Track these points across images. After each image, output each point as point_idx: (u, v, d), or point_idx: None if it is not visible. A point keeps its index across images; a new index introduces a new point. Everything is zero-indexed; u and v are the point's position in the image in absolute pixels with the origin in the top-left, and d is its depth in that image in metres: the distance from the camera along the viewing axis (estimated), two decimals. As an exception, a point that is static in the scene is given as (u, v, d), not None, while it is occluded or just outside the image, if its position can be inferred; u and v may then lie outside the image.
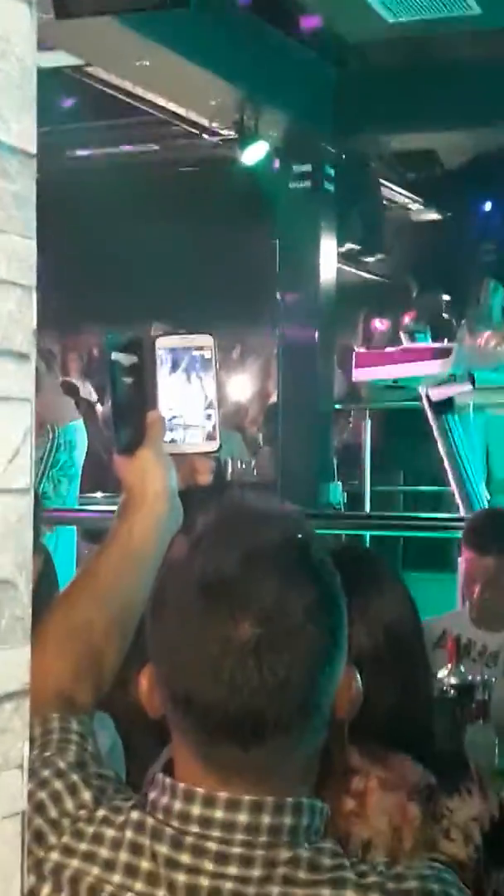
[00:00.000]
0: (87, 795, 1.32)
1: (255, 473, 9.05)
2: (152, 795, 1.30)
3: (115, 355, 1.56)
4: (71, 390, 6.89)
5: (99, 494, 7.24)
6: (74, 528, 5.65)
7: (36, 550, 1.88)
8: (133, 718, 1.39)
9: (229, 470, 8.65)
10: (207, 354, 1.55)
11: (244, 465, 8.95)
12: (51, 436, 5.50)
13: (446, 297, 9.74)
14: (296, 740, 1.27)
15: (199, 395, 1.55)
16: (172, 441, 1.55)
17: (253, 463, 9.31)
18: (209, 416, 1.56)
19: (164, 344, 1.55)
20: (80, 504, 6.54)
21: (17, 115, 1.04)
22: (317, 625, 1.27)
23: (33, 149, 1.07)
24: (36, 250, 1.05)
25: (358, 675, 1.37)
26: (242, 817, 1.25)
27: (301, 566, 1.29)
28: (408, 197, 10.38)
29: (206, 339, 1.56)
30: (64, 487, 5.55)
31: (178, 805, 1.27)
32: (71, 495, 5.66)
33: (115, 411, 1.57)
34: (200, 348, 1.55)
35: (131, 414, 1.55)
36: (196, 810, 1.26)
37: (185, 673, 1.27)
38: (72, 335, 11.34)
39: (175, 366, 1.54)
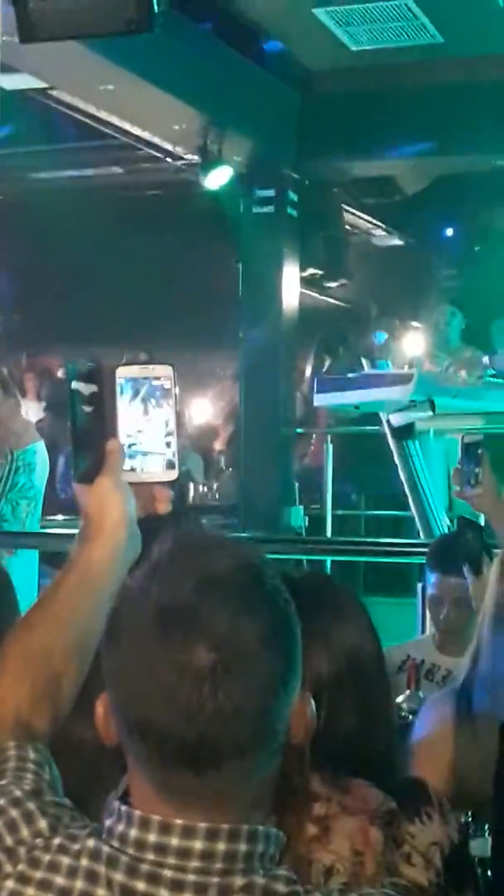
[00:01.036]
0: (42, 824, 1.31)
1: (216, 496, 9.05)
2: (108, 823, 1.30)
3: (74, 384, 1.57)
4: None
5: (60, 517, 7.21)
6: (36, 551, 5.61)
7: None
8: (96, 746, 1.38)
9: (190, 493, 8.66)
10: (167, 384, 1.57)
11: (204, 488, 8.95)
12: (9, 458, 5.47)
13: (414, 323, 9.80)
14: (251, 766, 1.27)
15: (159, 424, 1.57)
16: (132, 469, 1.57)
17: (215, 486, 9.31)
18: (168, 445, 1.57)
19: (124, 373, 1.56)
20: (43, 527, 6.51)
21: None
22: (272, 650, 1.27)
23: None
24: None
25: (312, 701, 1.38)
26: (198, 844, 1.25)
27: (255, 592, 1.30)
28: (370, 222, 10.45)
29: (165, 370, 1.57)
30: (23, 510, 5.51)
31: (133, 832, 1.27)
32: (32, 518, 5.61)
33: (75, 439, 1.58)
34: (159, 378, 1.57)
35: (90, 442, 1.56)
36: (152, 837, 1.26)
37: (140, 700, 1.26)
38: (31, 356, 11.31)
39: (135, 395, 1.56)
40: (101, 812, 1.33)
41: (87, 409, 1.56)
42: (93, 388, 1.56)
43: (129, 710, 1.28)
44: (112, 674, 1.31)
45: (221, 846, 1.25)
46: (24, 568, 5.39)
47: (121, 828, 1.28)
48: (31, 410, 9.51)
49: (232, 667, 1.24)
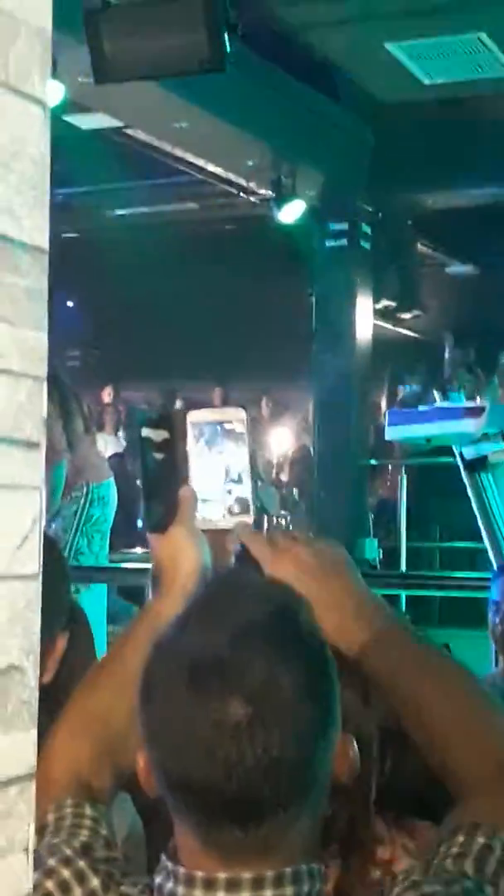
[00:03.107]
0: (95, 882, 1.32)
1: (290, 529, 9.04)
2: (158, 880, 1.30)
3: (145, 431, 1.53)
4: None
5: (139, 550, 7.27)
6: (105, 585, 5.68)
7: (63, 624, 1.84)
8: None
9: (265, 526, 8.68)
10: (239, 427, 1.51)
11: (280, 521, 8.95)
12: (84, 490, 5.55)
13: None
14: (295, 815, 1.27)
15: (235, 469, 1.52)
16: (204, 518, 1.52)
17: (289, 518, 9.31)
18: (242, 490, 1.52)
19: (196, 418, 1.52)
20: (120, 560, 6.58)
21: (30, 213, 1.08)
22: (309, 698, 1.26)
23: (45, 244, 1.10)
24: (47, 342, 1.09)
25: (354, 743, 1.36)
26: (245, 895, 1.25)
27: (289, 640, 1.28)
28: (444, 253, 10.44)
29: (237, 413, 1.53)
30: (97, 543, 5.60)
31: (181, 890, 1.27)
32: (103, 552, 5.70)
33: (146, 488, 1.55)
34: (231, 422, 1.52)
35: (163, 490, 1.52)
36: (198, 894, 1.26)
37: (178, 756, 1.25)
38: (108, 390, 11.44)
39: (209, 441, 1.51)
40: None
41: (159, 456, 1.52)
42: (164, 434, 1.52)
43: (167, 767, 1.27)
44: (148, 730, 1.29)
45: (269, 893, 1.25)
46: (94, 601, 5.45)
47: (169, 885, 1.28)
48: (110, 444, 9.62)
49: (269, 719, 1.22)
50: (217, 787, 1.23)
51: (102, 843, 1.37)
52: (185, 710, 1.24)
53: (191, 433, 1.52)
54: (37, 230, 1.07)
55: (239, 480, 1.53)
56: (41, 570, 1.03)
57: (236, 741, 1.22)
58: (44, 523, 1.05)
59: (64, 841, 1.35)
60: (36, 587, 1.02)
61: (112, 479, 5.72)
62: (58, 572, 1.79)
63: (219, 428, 1.52)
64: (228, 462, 1.52)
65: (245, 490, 1.52)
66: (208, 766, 1.23)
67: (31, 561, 1.02)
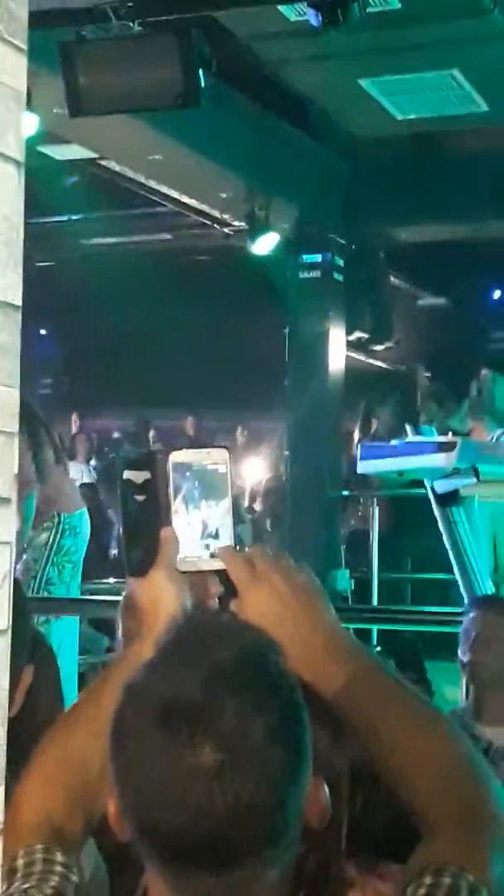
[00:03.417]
0: None
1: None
2: None
3: (126, 473, 1.51)
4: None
5: (111, 580, 7.24)
6: (77, 617, 5.65)
7: (27, 658, 1.87)
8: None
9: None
10: (222, 468, 1.50)
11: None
12: (56, 521, 5.53)
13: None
14: (267, 861, 1.26)
15: (213, 524, 1.49)
16: (186, 559, 1.50)
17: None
18: (217, 533, 1.50)
19: (177, 458, 1.50)
20: (93, 591, 6.54)
21: (3, 271, 1.09)
22: (280, 743, 1.24)
23: (18, 301, 1.12)
24: (18, 398, 1.10)
25: (325, 786, 1.35)
26: None
27: (261, 684, 1.27)
28: (416, 286, 10.51)
29: (220, 453, 1.51)
30: (68, 573, 5.56)
31: None
32: (74, 582, 5.67)
33: (127, 530, 1.53)
34: (215, 462, 1.50)
35: (144, 532, 1.49)
36: None
37: (148, 802, 1.24)
38: (81, 419, 11.43)
39: (186, 498, 1.49)
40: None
41: (140, 497, 1.50)
42: (145, 475, 1.50)
43: (137, 812, 1.26)
44: (118, 775, 1.28)
45: None
46: (66, 631, 5.43)
47: None
48: (83, 473, 9.60)
49: (240, 765, 1.21)
50: (188, 833, 1.22)
51: (73, 889, 1.35)
52: (156, 755, 1.23)
53: (178, 474, 1.49)
54: (10, 287, 1.08)
55: (216, 536, 1.50)
56: (10, 625, 1.03)
57: (207, 787, 1.21)
58: (12, 577, 1.05)
59: (34, 887, 1.33)
60: (5, 643, 1.02)
61: (84, 510, 5.70)
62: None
63: (198, 478, 1.49)
64: (206, 517, 1.50)
65: (227, 531, 1.50)
66: (179, 812, 1.21)
67: (1, 616, 1.03)
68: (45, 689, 2.39)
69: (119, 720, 1.28)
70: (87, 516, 5.72)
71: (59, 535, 5.53)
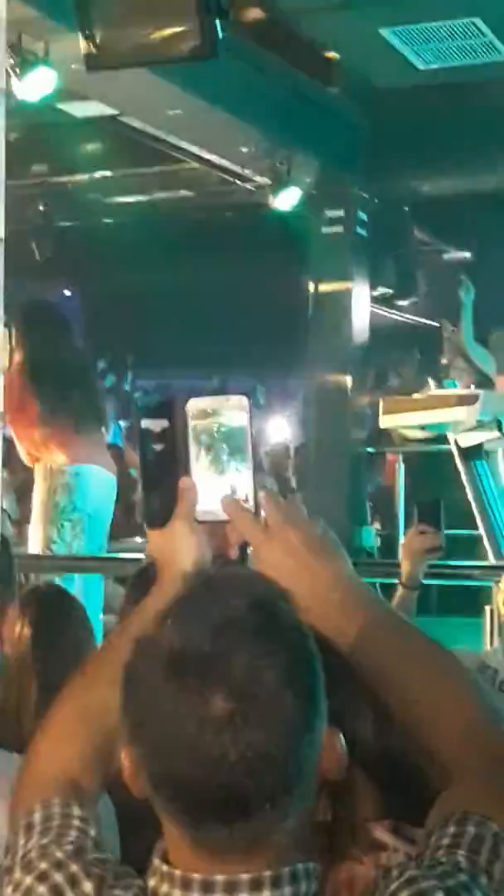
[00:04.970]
0: (87, 886, 1.29)
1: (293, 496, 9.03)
2: (151, 883, 1.28)
3: (144, 422, 1.48)
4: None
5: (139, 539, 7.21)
6: (100, 576, 5.54)
7: (10, 598, 2.10)
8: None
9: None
10: (242, 415, 1.46)
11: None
12: (46, 478, 5.36)
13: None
14: (282, 811, 1.25)
15: (235, 456, 1.46)
16: (204, 510, 1.47)
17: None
18: (246, 480, 1.46)
19: (196, 406, 1.47)
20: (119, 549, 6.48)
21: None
22: (293, 692, 1.24)
23: (1, 233, 1.09)
24: (2, 331, 1.08)
25: (341, 736, 1.35)
26: None
27: (271, 632, 1.26)
28: (441, 239, 10.40)
29: (240, 400, 1.47)
30: (68, 533, 5.44)
31: (177, 893, 1.25)
32: (89, 542, 5.48)
33: (145, 480, 1.50)
34: (233, 408, 1.46)
35: (162, 482, 1.47)
36: None
37: (162, 754, 1.24)
38: (101, 379, 11.42)
39: (206, 428, 1.46)
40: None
41: (158, 447, 1.47)
42: (163, 423, 1.47)
43: (151, 765, 1.26)
44: (131, 728, 1.28)
45: (266, 894, 1.23)
46: (89, 591, 5.34)
47: (164, 888, 1.26)
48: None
49: (251, 714, 1.21)
50: (201, 783, 1.22)
51: (92, 844, 1.35)
52: (167, 707, 1.23)
53: (191, 426, 1.46)
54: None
55: (235, 487, 1.46)
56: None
57: (219, 738, 1.21)
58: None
59: (54, 842, 1.33)
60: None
61: (81, 467, 5.45)
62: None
63: (217, 425, 1.45)
64: (225, 465, 1.46)
65: (250, 481, 1.46)
66: (191, 763, 1.21)
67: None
68: (76, 642, 2.47)
69: (130, 672, 1.28)
70: (98, 473, 5.51)
71: (51, 493, 5.36)
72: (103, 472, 5.54)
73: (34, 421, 5.36)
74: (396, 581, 6.58)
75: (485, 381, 7.54)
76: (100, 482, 5.49)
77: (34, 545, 5.45)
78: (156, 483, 1.49)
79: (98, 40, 5.73)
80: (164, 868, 1.27)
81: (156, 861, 1.29)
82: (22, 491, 7.19)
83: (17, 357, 5.30)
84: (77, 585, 5.08)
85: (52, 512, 5.35)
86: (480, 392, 5.60)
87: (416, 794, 1.57)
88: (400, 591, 3.52)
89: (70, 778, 1.42)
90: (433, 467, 7.94)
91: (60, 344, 5.59)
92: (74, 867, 1.30)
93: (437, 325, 9.94)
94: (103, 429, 5.78)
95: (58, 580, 4.73)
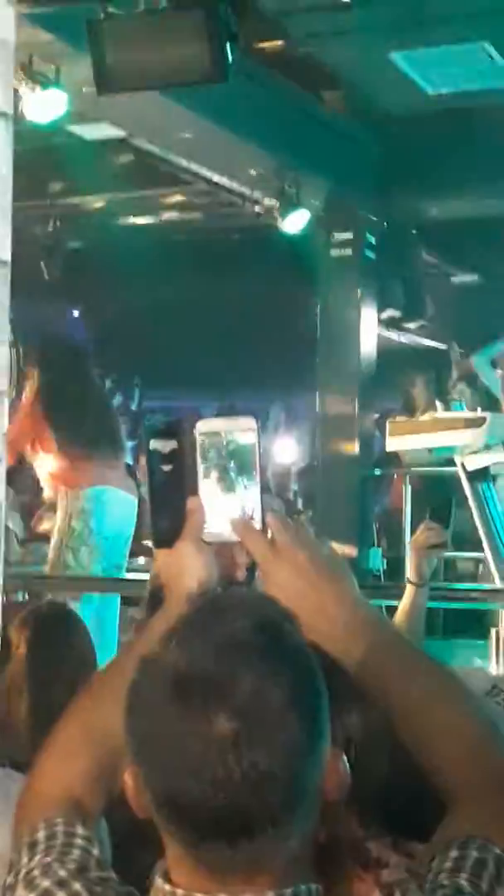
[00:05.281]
0: None
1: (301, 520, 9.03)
2: None
3: (153, 443, 1.49)
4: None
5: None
6: (116, 597, 5.51)
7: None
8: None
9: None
10: (250, 436, 1.46)
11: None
12: (63, 503, 5.40)
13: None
14: (285, 832, 1.25)
15: (244, 477, 1.46)
16: (212, 531, 1.47)
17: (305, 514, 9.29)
18: (253, 500, 1.46)
19: (205, 427, 1.47)
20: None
21: (-6, 225, 1.08)
22: (296, 712, 1.24)
23: (7, 256, 1.10)
24: (9, 355, 1.09)
25: (344, 757, 1.35)
26: None
27: (276, 654, 1.26)
28: (449, 263, 10.42)
29: (248, 422, 1.47)
30: (84, 557, 5.46)
31: None
32: (101, 565, 5.50)
33: (153, 501, 1.51)
34: (242, 430, 1.46)
35: (169, 503, 1.48)
36: None
37: (165, 774, 1.24)
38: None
39: (215, 450, 1.46)
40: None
41: (166, 467, 1.48)
42: (172, 444, 1.48)
43: (154, 784, 1.26)
44: (135, 747, 1.28)
45: None
46: (105, 610, 5.33)
47: None
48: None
49: (255, 734, 1.21)
50: (204, 803, 1.21)
51: (95, 863, 1.35)
52: (171, 727, 1.23)
53: (206, 443, 1.46)
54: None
55: (244, 507, 1.46)
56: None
57: (223, 758, 1.21)
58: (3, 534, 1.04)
59: (57, 860, 1.33)
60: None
61: (96, 490, 5.49)
62: None
63: (225, 446, 1.45)
64: (232, 486, 1.46)
65: (255, 502, 1.46)
66: (195, 782, 1.21)
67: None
68: (80, 667, 2.45)
69: (135, 692, 1.28)
70: (114, 496, 5.54)
71: (69, 517, 5.39)
72: (121, 494, 5.54)
73: (50, 449, 5.42)
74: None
75: (493, 404, 7.56)
76: (117, 503, 5.51)
77: (52, 569, 5.49)
78: (164, 504, 1.49)
79: (108, 62, 5.77)
80: (166, 887, 1.27)
81: (157, 880, 1.29)
82: (28, 510, 7.21)
83: (33, 386, 5.41)
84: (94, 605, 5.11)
85: (67, 537, 5.40)
86: (488, 415, 5.60)
87: (416, 811, 1.57)
88: (408, 588, 3.54)
89: (73, 797, 1.42)
90: (441, 488, 7.94)
91: (74, 372, 5.66)
92: (77, 885, 1.31)
93: (445, 346, 9.98)
94: (121, 452, 5.78)
95: (73, 602, 4.75)
